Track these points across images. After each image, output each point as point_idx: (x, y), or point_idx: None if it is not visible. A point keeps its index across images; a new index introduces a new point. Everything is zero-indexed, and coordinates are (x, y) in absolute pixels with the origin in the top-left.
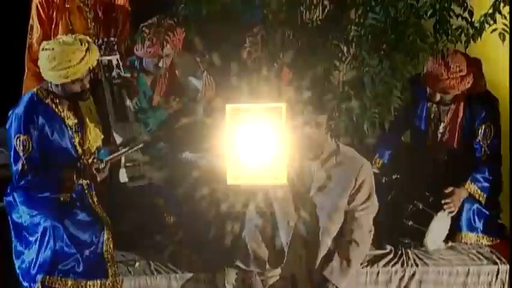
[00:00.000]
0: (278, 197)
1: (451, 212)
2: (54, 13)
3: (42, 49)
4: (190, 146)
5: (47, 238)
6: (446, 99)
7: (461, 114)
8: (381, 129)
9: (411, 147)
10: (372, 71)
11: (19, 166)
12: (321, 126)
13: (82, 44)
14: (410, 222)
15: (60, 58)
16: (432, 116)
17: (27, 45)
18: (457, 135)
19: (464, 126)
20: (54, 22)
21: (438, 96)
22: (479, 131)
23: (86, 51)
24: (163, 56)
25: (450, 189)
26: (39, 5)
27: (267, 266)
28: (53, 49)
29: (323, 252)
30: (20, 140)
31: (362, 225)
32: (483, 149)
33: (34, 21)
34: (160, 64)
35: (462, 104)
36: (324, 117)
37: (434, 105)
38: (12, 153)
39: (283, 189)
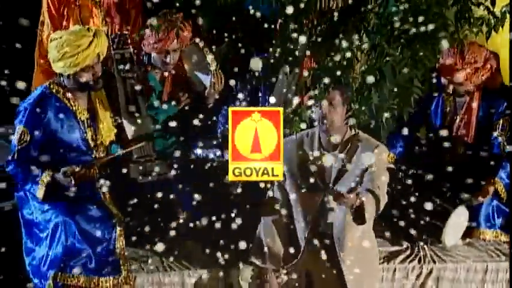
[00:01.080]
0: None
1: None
2: (66, 9)
3: (51, 40)
4: (201, 142)
5: (58, 234)
6: (460, 91)
7: (475, 107)
8: (399, 121)
9: (427, 142)
10: (392, 61)
11: (9, 156)
12: (337, 106)
13: (89, 30)
14: (427, 218)
15: (68, 45)
16: (447, 109)
17: (37, 42)
18: (471, 129)
19: (480, 120)
20: (65, 18)
21: (451, 87)
22: (497, 125)
23: (93, 36)
24: (170, 51)
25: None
26: (50, 1)
27: (282, 263)
28: (61, 37)
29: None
30: (18, 132)
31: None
32: (502, 144)
33: (45, 17)
34: (168, 60)
35: (477, 97)
36: (337, 94)
37: (450, 99)
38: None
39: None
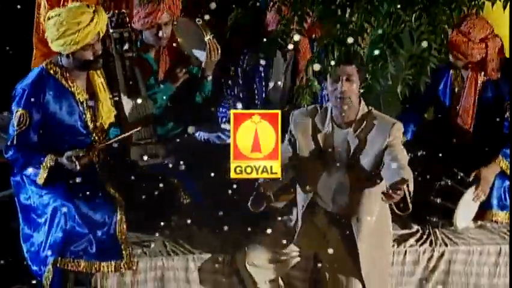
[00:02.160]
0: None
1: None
2: None
3: (48, 18)
4: (201, 124)
5: (57, 218)
6: (456, 64)
7: (478, 82)
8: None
9: (436, 124)
10: (409, 26)
11: (8, 142)
12: (354, 82)
13: (89, 7)
14: (439, 200)
15: (68, 22)
16: (456, 90)
17: (34, 24)
18: (470, 111)
19: (490, 103)
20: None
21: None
22: (508, 107)
23: (94, 13)
24: (161, 25)
25: (474, 173)
26: None
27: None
28: (59, 15)
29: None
30: (17, 115)
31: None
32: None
33: None
34: (160, 34)
35: (475, 76)
36: (354, 70)
37: (459, 79)
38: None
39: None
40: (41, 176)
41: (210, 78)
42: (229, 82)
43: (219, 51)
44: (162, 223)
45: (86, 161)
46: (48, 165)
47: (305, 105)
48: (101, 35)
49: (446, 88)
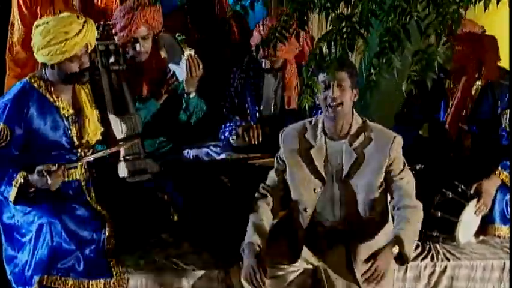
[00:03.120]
0: (296, 182)
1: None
2: (39, 8)
3: (36, 27)
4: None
5: (43, 235)
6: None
7: (470, 90)
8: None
9: (431, 138)
10: (417, 17)
11: None
12: (346, 89)
13: (78, 18)
14: (439, 213)
15: (55, 31)
16: (450, 103)
17: (7, 45)
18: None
19: (485, 111)
20: (38, 17)
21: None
22: (504, 116)
23: (83, 24)
24: (139, 39)
25: (474, 186)
26: (21, 1)
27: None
28: (47, 23)
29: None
30: None
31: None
32: (510, 135)
33: (15, 18)
34: (138, 48)
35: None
36: (345, 76)
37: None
38: None
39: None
40: (12, 193)
41: (193, 95)
42: (227, 104)
43: (200, 67)
44: (152, 240)
45: (59, 175)
46: (19, 181)
47: (306, 107)
48: (90, 48)
49: (441, 102)
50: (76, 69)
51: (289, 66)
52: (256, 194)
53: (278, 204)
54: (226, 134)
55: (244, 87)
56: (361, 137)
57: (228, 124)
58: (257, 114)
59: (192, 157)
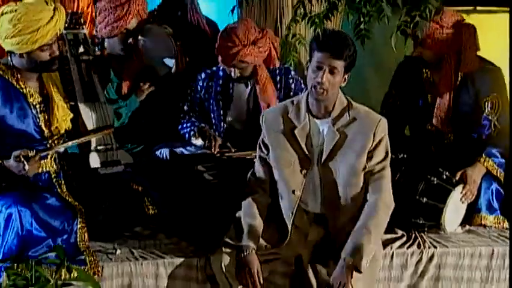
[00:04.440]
0: (282, 164)
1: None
2: None
3: (2, 13)
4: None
5: (11, 225)
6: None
7: (453, 79)
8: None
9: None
10: None
11: None
12: (337, 75)
13: (47, 3)
14: (425, 199)
15: (26, 19)
16: (429, 96)
17: None
18: (447, 107)
19: (466, 101)
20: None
21: (419, 51)
22: (486, 104)
23: (54, 10)
24: (131, 30)
25: (459, 173)
26: None
27: (264, 242)
28: (16, 10)
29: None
30: None
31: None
32: (492, 123)
33: None
34: (130, 40)
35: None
36: (341, 64)
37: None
38: None
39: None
40: None
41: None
42: (185, 108)
43: (187, 60)
44: (127, 233)
45: (36, 161)
46: None
47: (292, 64)
48: (59, 33)
49: (419, 98)
50: (47, 57)
51: (260, 71)
52: (247, 189)
53: (268, 196)
54: (186, 135)
55: (209, 96)
56: (345, 117)
57: (184, 123)
58: (223, 126)
59: (165, 157)
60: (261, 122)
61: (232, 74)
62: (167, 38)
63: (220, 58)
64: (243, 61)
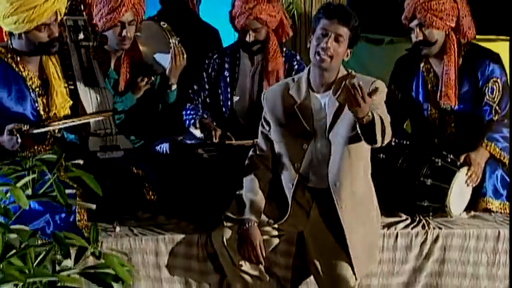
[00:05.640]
0: (282, 138)
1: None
2: None
3: None
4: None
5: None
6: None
7: (455, 62)
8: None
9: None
10: None
11: None
12: (342, 44)
13: None
14: (429, 181)
15: None
16: (430, 87)
17: None
18: (452, 93)
19: (467, 89)
20: None
21: (421, 34)
22: (485, 89)
23: None
24: (126, 23)
25: (463, 157)
26: None
27: (265, 217)
28: None
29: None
30: None
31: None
32: (493, 108)
33: None
34: (124, 33)
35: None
36: (347, 33)
37: (431, 75)
38: None
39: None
40: None
41: (174, 87)
42: (194, 87)
43: (185, 56)
44: (127, 216)
45: (30, 135)
46: None
47: (295, 13)
48: (59, 17)
49: (419, 89)
50: (46, 38)
51: (272, 38)
52: (248, 161)
53: (270, 172)
54: (187, 122)
55: (218, 73)
56: (343, 85)
57: (188, 109)
58: (229, 105)
59: (165, 151)
60: (262, 100)
61: (247, 38)
62: (162, 33)
63: (236, 21)
64: (258, 18)
